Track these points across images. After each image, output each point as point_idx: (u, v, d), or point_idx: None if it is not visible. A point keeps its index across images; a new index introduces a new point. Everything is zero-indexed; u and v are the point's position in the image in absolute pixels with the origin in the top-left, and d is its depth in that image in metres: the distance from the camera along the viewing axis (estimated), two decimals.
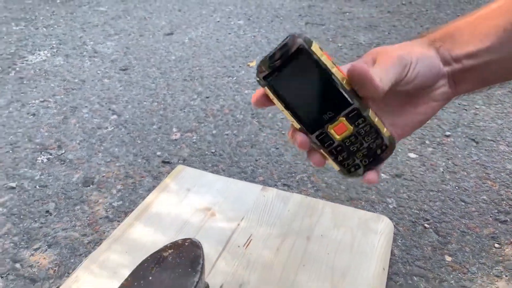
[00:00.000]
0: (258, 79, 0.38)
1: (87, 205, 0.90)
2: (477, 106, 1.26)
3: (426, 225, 0.84)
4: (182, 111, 1.25)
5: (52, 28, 1.87)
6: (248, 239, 0.73)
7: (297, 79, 0.38)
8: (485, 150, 1.07)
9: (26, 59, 1.59)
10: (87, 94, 1.34)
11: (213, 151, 1.07)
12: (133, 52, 1.64)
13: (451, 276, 0.73)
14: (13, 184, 0.96)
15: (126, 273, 0.52)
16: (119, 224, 0.79)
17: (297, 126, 0.40)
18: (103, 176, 0.98)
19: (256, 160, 1.03)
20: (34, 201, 0.91)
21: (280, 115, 1.21)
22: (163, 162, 1.03)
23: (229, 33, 1.81)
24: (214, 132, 1.15)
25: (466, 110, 1.24)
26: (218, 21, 1.95)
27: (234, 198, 0.82)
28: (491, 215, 0.86)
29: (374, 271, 0.68)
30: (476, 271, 0.74)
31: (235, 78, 1.44)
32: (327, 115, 0.39)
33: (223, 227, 0.76)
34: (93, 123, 1.19)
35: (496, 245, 0.79)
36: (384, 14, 2.00)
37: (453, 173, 0.98)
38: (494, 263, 0.76)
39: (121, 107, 1.27)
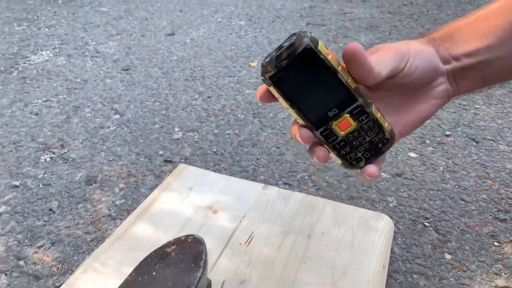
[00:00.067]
0: (263, 78, 0.38)
1: (90, 203, 0.91)
2: (477, 106, 1.26)
3: (426, 223, 0.85)
4: (184, 110, 1.26)
5: (54, 28, 1.88)
6: (249, 237, 0.74)
7: (303, 78, 0.38)
8: (485, 149, 1.07)
9: (28, 59, 1.60)
10: (90, 94, 1.35)
11: (215, 150, 1.08)
12: (135, 52, 1.65)
13: (451, 274, 0.74)
14: (17, 183, 0.97)
15: (128, 270, 0.52)
16: (121, 222, 0.80)
17: (302, 123, 0.40)
18: (106, 175, 0.99)
19: (258, 159, 1.04)
20: (38, 199, 0.92)
21: (281, 115, 1.22)
22: (165, 161, 1.04)
23: (231, 34, 1.82)
24: (215, 131, 1.16)
25: (466, 110, 1.25)
26: (220, 22, 1.96)
27: (236, 197, 0.83)
28: (491, 214, 0.87)
29: (374, 269, 0.69)
30: (475, 269, 0.75)
31: (236, 78, 1.44)
32: (331, 112, 0.40)
33: (225, 225, 0.76)
34: (95, 123, 1.20)
35: (496, 244, 0.80)
36: (385, 15, 2.01)
37: (453, 172, 0.99)
38: (494, 261, 0.76)
39: (123, 106, 1.28)
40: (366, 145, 0.41)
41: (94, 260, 0.70)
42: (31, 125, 1.19)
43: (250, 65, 1.54)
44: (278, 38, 1.76)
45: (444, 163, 1.02)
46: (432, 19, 1.95)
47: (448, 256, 0.77)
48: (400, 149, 1.07)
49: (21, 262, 0.77)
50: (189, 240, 0.52)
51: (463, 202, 0.90)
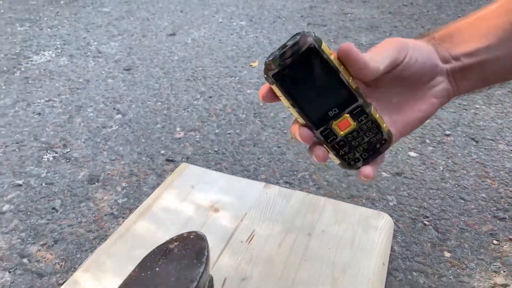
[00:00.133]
0: (266, 76, 0.39)
1: (93, 202, 0.91)
2: (477, 106, 1.27)
3: (425, 222, 0.85)
4: (186, 110, 1.27)
5: (56, 29, 1.89)
6: (250, 235, 0.75)
7: (306, 77, 0.39)
8: (485, 149, 1.08)
9: (31, 59, 1.61)
10: (92, 94, 1.36)
11: (216, 149, 1.09)
12: (137, 52, 1.65)
13: (450, 271, 0.75)
14: (20, 182, 0.97)
15: (130, 267, 0.53)
16: (124, 221, 0.81)
17: (302, 122, 0.41)
18: (108, 174, 1.00)
19: (259, 159, 1.05)
20: (41, 198, 0.93)
21: (282, 115, 1.22)
22: (167, 160, 1.05)
23: (231, 34, 1.83)
24: (217, 131, 1.16)
25: (466, 109, 1.25)
26: (221, 22, 1.96)
27: (237, 195, 0.84)
28: (490, 213, 0.87)
29: (374, 267, 0.69)
30: (474, 267, 0.76)
31: (237, 78, 1.45)
32: (332, 112, 0.40)
33: (226, 224, 0.77)
34: (97, 122, 1.21)
35: (495, 242, 0.81)
36: (385, 15, 2.01)
37: (452, 172, 1.00)
38: (492, 259, 0.77)
39: (125, 106, 1.29)
40: (364, 146, 0.42)
41: (97, 258, 0.70)
42: (34, 124, 1.20)
43: (251, 65, 1.55)
44: (279, 38, 1.77)
45: (444, 162, 1.03)
46: (432, 19, 1.96)
47: (447, 254, 0.78)
48: (400, 149, 1.08)
49: (25, 260, 0.78)
50: (191, 236, 0.52)
51: (462, 201, 0.91)
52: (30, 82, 1.44)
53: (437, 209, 0.89)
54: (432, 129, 1.16)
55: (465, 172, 1.00)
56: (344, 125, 0.41)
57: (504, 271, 0.75)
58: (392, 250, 0.78)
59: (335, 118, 0.40)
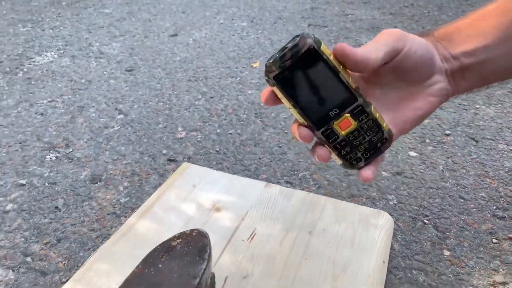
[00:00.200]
0: (267, 78, 0.40)
1: (95, 201, 0.92)
2: (477, 106, 1.28)
3: (425, 221, 0.86)
4: (187, 110, 1.27)
5: (58, 30, 1.90)
6: (252, 233, 0.76)
7: (306, 78, 0.39)
8: (485, 148, 1.08)
9: (33, 60, 1.62)
10: (94, 94, 1.37)
11: (218, 149, 1.09)
12: (138, 53, 1.66)
13: (450, 269, 0.75)
14: (23, 181, 0.98)
15: (133, 264, 0.54)
16: (126, 220, 0.81)
17: (304, 123, 0.42)
18: (110, 173, 1.01)
19: (260, 158, 1.06)
20: (44, 197, 0.94)
21: (283, 115, 1.23)
22: (169, 160, 1.06)
23: (233, 35, 1.83)
24: (218, 131, 1.17)
25: (466, 109, 1.26)
26: (222, 23, 1.97)
27: (238, 195, 0.85)
28: (490, 212, 0.88)
29: (374, 265, 0.70)
30: (474, 265, 0.76)
31: (238, 78, 1.46)
32: (333, 112, 0.41)
33: (227, 222, 0.78)
34: (100, 123, 1.21)
35: (494, 240, 0.81)
36: (386, 16, 2.02)
37: (452, 171, 1.00)
38: (492, 258, 0.78)
39: (127, 106, 1.29)
40: (365, 145, 0.42)
41: (99, 256, 0.71)
42: (37, 125, 1.21)
43: (252, 66, 1.55)
44: (280, 39, 1.78)
45: (443, 162, 1.04)
46: (433, 20, 1.96)
47: (447, 253, 0.79)
48: (400, 148, 1.09)
49: (28, 259, 0.79)
50: (193, 234, 0.53)
51: (462, 200, 0.91)
52: (32, 82, 1.45)
53: (437, 208, 0.89)
54: (432, 129, 1.17)
55: (464, 171, 1.00)
56: (345, 125, 0.41)
57: (503, 269, 0.75)
58: (392, 248, 0.79)
59: (336, 118, 0.41)
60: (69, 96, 1.36)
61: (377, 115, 0.42)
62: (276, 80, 0.39)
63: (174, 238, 0.53)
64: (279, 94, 0.40)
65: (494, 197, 0.92)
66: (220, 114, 1.25)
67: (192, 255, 0.49)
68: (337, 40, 1.76)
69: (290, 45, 0.38)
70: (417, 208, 0.89)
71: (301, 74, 0.39)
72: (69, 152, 1.09)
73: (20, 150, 1.10)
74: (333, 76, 0.39)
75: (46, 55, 1.65)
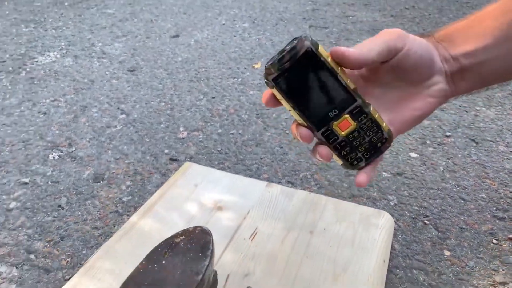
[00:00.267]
0: (266, 81, 0.40)
1: (98, 200, 0.93)
2: (478, 108, 1.28)
3: (426, 221, 0.87)
4: (189, 111, 1.28)
5: (61, 30, 1.91)
6: (253, 233, 0.76)
7: (305, 80, 0.40)
8: (485, 150, 1.09)
9: (36, 59, 1.62)
10: (96, 94, 1.37)
11: (219, 149, 1.10)
12: (140, 53, 1.67)
13: (450, 269, 0.76)
14: (26, 180, 0.99)
15: (136, 262, 0.54)
16: (129, 218, 0.82)
17: (304, 124, 0.42)
18: (113, 172, 1.01)
19: (261, 158, 1.06)
20: (47, 195, 0.94)
21: (284, 115, 1.24)
22: (171, 159, 1.06)
23: (234, 36, 1.84)
24: (220, 131, 1.18)
25: (466, 111, 1.27)
26: (223, 24, 1.98)
27: (240, 194, 0.85)
28: (490, 212, 0.89)
29: (374, 264, 0.71)
30: (474, 265, 0.77)
31: (240, 79, 1.47)
32: (332, 113, 0.41)
33: (229, 221, 0.78)
34: (102, 122, 1.22)
35: (494, 241, 0.82)
36: (387, 18, 2.03)
37: (453, 172, 1.01)
38: (492, 258, 0.78)
39: (129, 106, 1.30)
40: (366, 145, 0.43)
41: (102, 254, 0.72)
42: (40, 124, 1.21)
43: (253, 66, 1.56)
44: (281, 40, 1.78)
45: (444, 163, 1.04)
46: (433, 22, 1.97)
47: (447, 253, 0.79)
48: (401, 149, 1.09)
49: (32, 256, 0.79)
50: (196, 231, 0.54)
51: (462, 201, 0.92)
52: (35, 82, 1.45)
53: (437, 209, 0.90)
54: (432, 130, 1.18)
55: (465, 172, 1.01)
56: (344, 125, 0.42)
57: (503, 270, 0.76)
58: (393, 248, 0.80)
59: (335, 119, 0.41)
60: (72, 96, 1.37)
61: (376, 115, 0.42)
62: (275, 82, 0.40)
63: (177, 235, 0.53)
64: (279, 96, 0.41)
65: (494, 198, 0.93)
66: (222, 115, 1.26)
67: (195, 251, 0.50)
68: (338, 42, 1.77)
69: (288, 47, 0.39)
70: (418, 209, 0.90)
71: (300, 76, 0.40)
72: (72, 151, 1.09)
73: (23, 149, 1.10)
74: (331, 77, 0.40)
75: (48, 55, 1.66)
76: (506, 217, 0.87)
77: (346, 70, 0.42)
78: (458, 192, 0.95)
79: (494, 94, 1.35)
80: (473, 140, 1.13)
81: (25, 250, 0.81)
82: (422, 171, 1.01)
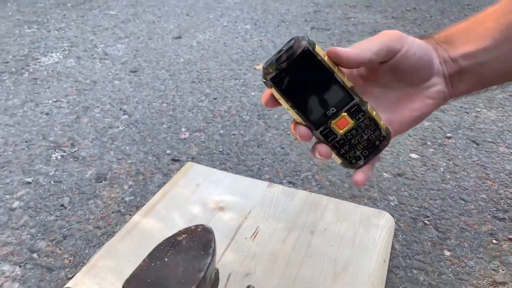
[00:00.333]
0: (265, 80, 0.41)
1: (100, 199, 0.93)
2: (478, 109, 1.29)
3: (426, 221, 0.87)
4: (191, 111, 1.29)
5: (63, 31, 1.92)
6: (254, 232, 0.77)
7: (302, 79, 0.40)
8: (485, 151, 1.10)
9: (39, 60, 1.63)
10: (99, 95, 1.38)
11: (221, 150, 1.11)
12: (143, 54, 1.68)
13: (450, 269, 0.76)
14: (29, 179, 1.00)
15: (138, 261, 0.55)
16: (131, 218, 0.83)
17: (302, 123, 0.43)
18: (115, 172, 1.02)
19: (262, 159, 1.07)
20: (50, 195, 0.95)
21: (286, 116, 1.24)
22: (173, 160, 1.07)
23: (236, 37, 1.85)
24: (221, 132, 1.19)
25: (467, 113, 1.27)
26: (225, 26, 1.99)
27: (242, 194, 0.86)
28: (490, 213, 0.89)
29: (375, 264, 0.71)
30: (474, 265, 0.77)
31: (242, 80, 1.48)
32: (330, 111, 0.42)
33: (231, 221, 0.79)
34: (104, 123, 1.23)
35: (494, 241, 0.82)
36: (388, 20, 2.04)
37: (453, 173, 1.01)
38: (492, 258, 0.79)
39: (131, 107, 1.31)
40: (364, 143, 0.43)
41: (104, 253, 0.73)
42: (42, 124, 1.22)
43: (255, 68, 1.57)
44: (283, 42, 1.79)
45: (444, 164, 1.05)
46: (435, 24, 1.98)
47: (447, 253, 0.80)
48: (401, 150, 1.10)
49: (35, 255, 0.80)
50: (198, 229, 0.54)
51: (462, 202, 0.92)
52: (38, 83, 1.46)
53: (438, 209, 0.90)
54: (433, 131, 1.18)
55: (465, 173, 1.01)
56: (342, 123, 0.42)
57: (503, 270, 0.76)
58: (393, 248, 0.80)
59: (333, 117, 0.42)
60: (74, 97, 1.37)
61: (374, 113, 0.43)
62: (273, 82, 0.40)
63: (179, 233, 0.54)
64: (277, 96, 0.41)
65: (494, 199, 0.93)
66: (224, 115, 1.27)
67: (197, 249, 0.50)
68: (339, 43, 1.77)
69: (285, 47, 0.40)
70: (418, 209, 0.90)
71: (297, 75, 0.40)
72: (75, 151, 1.10)
73: (26, 149, 1.11)
74: (328, 76, 0.41)
75: (51, 56, 1.67)
76: (506, 217, 0.88)
77: (345, 69, 0.42)
78: (459, 192, 0.95)
79: (495, 96, 1.36)
80: (474, 141, 1.14)
81: (28, 249, 0.81)
82: (423, 172, 1.02)
